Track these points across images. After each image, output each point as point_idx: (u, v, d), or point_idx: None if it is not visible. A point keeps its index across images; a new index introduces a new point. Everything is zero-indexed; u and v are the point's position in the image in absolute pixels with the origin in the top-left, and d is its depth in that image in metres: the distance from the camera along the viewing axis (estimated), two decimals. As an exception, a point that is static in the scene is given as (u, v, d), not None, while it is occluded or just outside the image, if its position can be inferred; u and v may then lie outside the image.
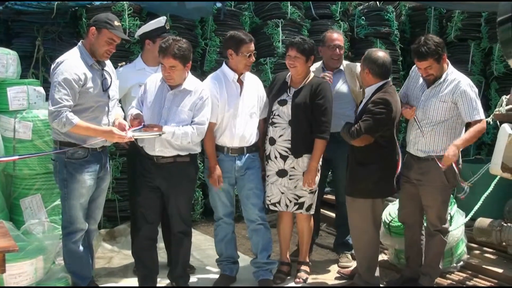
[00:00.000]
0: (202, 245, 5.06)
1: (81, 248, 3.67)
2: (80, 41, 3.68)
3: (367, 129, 3.67)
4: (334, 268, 4.52)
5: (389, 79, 3.86)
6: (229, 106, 3.90)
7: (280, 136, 4.00)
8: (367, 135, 3.70)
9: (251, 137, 4.01)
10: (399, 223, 4.21)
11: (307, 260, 4.33)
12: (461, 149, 3.70)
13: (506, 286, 4.11)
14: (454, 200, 4.39)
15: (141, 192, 3.79)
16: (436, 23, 7.05)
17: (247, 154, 4.00)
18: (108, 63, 3.73)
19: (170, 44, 3.58)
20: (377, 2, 7.09)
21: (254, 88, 4.08)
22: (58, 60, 3.53)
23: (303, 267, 4.26)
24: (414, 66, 3.94)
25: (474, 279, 4.24)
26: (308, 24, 6.55)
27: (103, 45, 3.55)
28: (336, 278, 4.34)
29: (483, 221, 4.57)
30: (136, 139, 3.65)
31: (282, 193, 4.05)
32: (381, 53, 3.83)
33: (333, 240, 4.98)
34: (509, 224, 4.46)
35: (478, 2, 5.43)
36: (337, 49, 4.40)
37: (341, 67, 4.46)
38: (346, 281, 4.25)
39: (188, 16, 5.73)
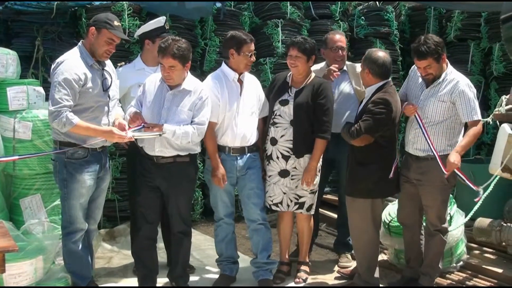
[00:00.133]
0: (202, 245, 5.06)
1: (81, 248, 3.67)
2: (80, 41, 3.68)
3: (367, 129, 3.67)
4: (334, 268, 4.52)
5: (389, 79, 3.86)
6: (230, 105, 3.91)
7: (282, 136, 4.01)
8: (367, 135, 3.70)
9: (252, 137, 4.01)
10: (399, 223, 4.22)
11: (307, 260, 4.33)
12: (462, 153, 3.71)
13: (506, 286, 4.11)
14: (454, 200, 4.40)
15: (141, 192, 3.79)
16: (435, 23, 7.05)
17: (248, 154, 4.00)
18: (109, 63, 3.73)
19: (169, 44, 3.58)
20: (377, 2, 7.09)
21: (253, 88, 4.09)
22: (58, 60, 3.52)
23: (303, 267, 4.26)
24: (414, 66, 3.95)
25: (474, 279, 4.24)
26: (307, 24, 6.56)
27: (103, 45, 3.55)
28: (336, 278, 4.35)
29: (483, 221, 4.58)
30: (136, 139, 3.64)
31: (284, 193, 4.05)
32: (381, 53, 3.83)
33: (333, 240, 4.98)
34: (508, 224, 4.47)
35: (478, 2, 5.43)
36: (340, 50, 4.40)
37: (345, 68, 4.46)
38: (346, 281, 4.26)
39: (187, 16, 5.73)
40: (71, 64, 3.47)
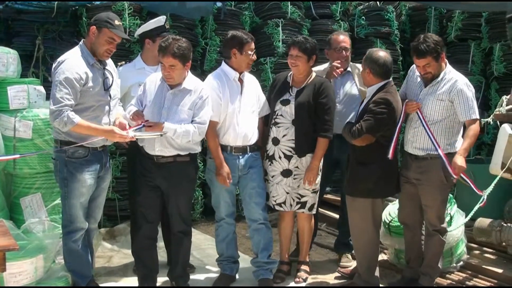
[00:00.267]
0: (202, 245, 5.06)
1: (81, 247, 3.67)
2: (82, 40, 3.68)
3: (368, 129, 3.68)
4: (334, 267, 4.52)
5: (390, 79, 3.87)
6: (231, 104, 3.91)
7: (284, 136, 4.01)
8: (369, 134, 3.70)
9: (253, 136, 4.02)
10: (399, 223, 4.22)
11: (307, 260, 4.33)
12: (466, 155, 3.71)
13: (505, 286, 4.11)
14: (454, 200, 4.40)
15: (141, 191, 3.79)
16: (436, 23, 7.06)
17: (250, 153, 4.00)
18: (110, 62, 3.73)
19: (169, 43, 3.58)
20: (377, 2, 7.09)
21: (253, 87, 4.10)
22: (59, 59, 3.52)
23: (303, 267, 4.26)
24: (413, 65, 3.95)
25: (474, 279, 4.24)
26: (308, 23, 6.56)
27: (104, 44, 3.55)
28: (336, 278, 4.35)
29: (483, 221, 4.58)
30: (136, 139, 3.64)
31: (287, 193, 4.06)
32: (382, 53, 3.83)
33: (333, 240, 4.98)
34: (509, 224, 4.47)
35: (478, 2, 5.44)
36: (344, 51, 4.40)
37: (349, 68, 4.46)
38: (346, 281, 4.26)
39: (188, 16, 5.73)
40: (72, 63, 3.47)
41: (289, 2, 6.35)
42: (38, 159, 3.91)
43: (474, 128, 3.70)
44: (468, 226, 4.61)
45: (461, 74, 3.86)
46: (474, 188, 3.72)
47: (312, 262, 4.45)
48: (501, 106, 4.50)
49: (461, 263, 4.39)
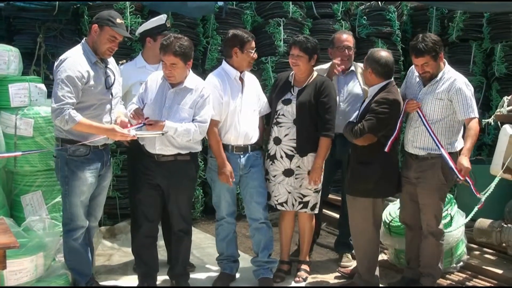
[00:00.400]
0: (202, 243, 5.07)
1: (81, 245, 3.67)
2: (84, 38, 3.68)
3: (370, 129, 3.68)
4: (334, 267, 4.52)
5: (392, 79, 3.87)
6: (233, 103, 3.91)
7: (286, 135, 4.01)
8: (370, 134, 3.70)
9: (254, 135, 4.02)
10: (399, 223, 4.22)
11: (308, 259, 4.33)
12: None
13: (505, 286, 4.12)
14: (455, 201, 4.39)
15: (142, 190, 3.79)
16: (437, 23, 7.05)
17: (251, 152, 4.00)
18: (112, 61, 3.73)
19: (171, 41, 3.58)
20: (379, 2, 7.08)
21: (254, 86, 4.10)
22: (61, 57, 3.52)
23: (303, 266, 4.26)
24: (412, 66, 3.95)
25: (474, 279, 4.24)
26: (309, 23, 6.55)
27: (105, 43, 3.54)
28: (336, 278, 4.35)
29: (483, 222, 4.58)
30: (138, 137, 3.64)
31: (289, 192, 4.06)
32: (384, 53, 3.84)
33: (333, 240, 4.98)
34: (509, 225, 4.47)
35: (480, 2, 5.44)
36: (346, 50, 4.39)
37: (352, 68, 4.45)
38: (346, 281, 4.26)
39: (190, 14, 5.73)
40: (74, 61, 3.47)
41: (290, 1, 6.35)
42: (39, 157, 3.91)
43: (474, 127, 3.69)
44: (468, 226, 4.60)
45: (460, 74, 3.86)
46: (473, 190, 3.72)
47: (312, 262, 4.45)
48: (502, 106, 4.50)
49: (461, 263, 4.39)
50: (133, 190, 3.92)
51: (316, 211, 4.18)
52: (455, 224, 4.23)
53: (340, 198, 5.00)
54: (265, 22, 6.35)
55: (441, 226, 3.90)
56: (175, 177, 3.74)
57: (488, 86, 6.55)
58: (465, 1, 5.54)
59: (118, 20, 3.57)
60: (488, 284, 4.16)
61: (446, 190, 3.91)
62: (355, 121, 3.90)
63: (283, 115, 4.03)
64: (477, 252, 4.64)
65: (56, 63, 3.53)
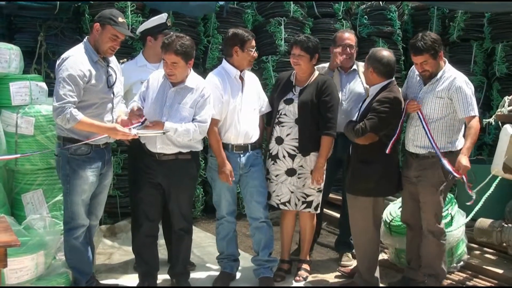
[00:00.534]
0: (203, 242, 5.07)
1: (82, 244, 3.67)
2: (86, 37, 3.67)
3: (372, 128, 3.68)
4: (334, 266, 4.52)
5: (393, 78, 3.87)
6: (233, 102, 3.91)
7: (288, 135, 4.01)
8: (372, 133, 3.70)
9: (254, 134, 4.02)
10: (400, 223, 4.22)
11: (308, 259, 4.33)
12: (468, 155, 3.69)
13: (506, 286, 4.12)
14: (455, 200, 4.39)
15: (143, 188, 3.79)
16: (438, 23, 7.04)
17: (251, 151, 4.00)
18: (113, 60, 3.73)
19: (173, 40, 3.58)
20: (380, 1, 7.08)
21: (254, 84, 4.10)
22: (63, 56, 3.52)
23: (304, 266, 4.27)
24: (413, 66, 3.95)
25: (474, 279, 4.24)
26: (310, 22, 6.55)
27: (107, 42, 3.54)
28: (336, 277, 4.35)
29: (484, 222, 4.58)
30: (139, 136, 3.64)
31: (292, 192, 4.06)
32: (385, 52, 3.84)
33: (334, 239, 4.98)
34: (509, 224, 4.47)
35: (481, 2, 5.43)
36: (348, 48, 4.39)
37: (355, 67, 4.45)
38: (346, 280, 4.26)
39: (190, 13, 5.73)
40: (76, 60, 3.47)
41: (291, 1, 6.35)
42: (39, 156, 3.91)
43: (474, 126, 3.69)
44: (469, 226, 4.61)
45: (460, 72, 3.86)
46: (467, 187, 3.70)
47: (312, 261, 4.45)
48: (503, 106, 4.50)
49: (462, 263, 4.39)
50: (134, 189, 3.93)
51: (319, 210, 4.19)
52: (456, 223, 4.24)
53: (340, 198, 5.00)
54: (266, 21, 6.35)
55: (442, 225, 3.90)
56: (176, 176, 3.74)
57: (489, 86, 6.55)
58: (466, 1, 5.54)
59: (120, 19, 3.56)
60: (488, 284, 4.17)
61: (447, 189, 3.90)
62: (355, 120, 3.90)
63: (285, 114, 4.03)
64: (477, 252, 4.64)
65: (58, 62, 3.53)
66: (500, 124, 4.48)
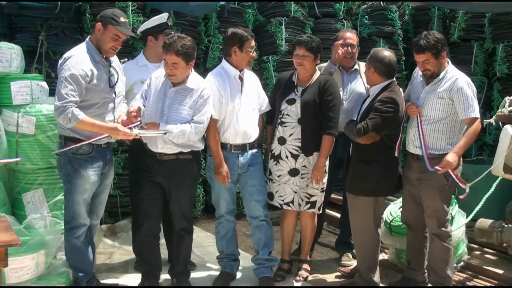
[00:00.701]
0: (203, 242, 5.07)
1: (83, 243, 3.68)
2: (88, 36, 3.68)
3: (374, 127, 3.68)
4: (334, 266, 4.53)
5: (394, 78, 3.87)
6: (232, 102, 3.91)
7: (290, 135, 4.01)
8: (374, 133, 3.70)
9: (253, 134, 4.02)
10: (400, 223, 4.21)
11: (308, 259, 4.33)
12: (461, 154, 3.69)
13: (506, 286, 4.12)
14: (456, 201, 4.39)
15: (144, 188, 3.80)
16: (439, 23, 7.05)
17: (250, 151, 4.00)
18: (115, 59, 3.73)
19: (174, 40, 3.58)
20: (381, 2, 7.08)
21: (253, 84, 4.09)
22: (65, 55, 3.53)
23: (304, 265, 4.27)
24: (417, 67, 3.95)
25: (474, 279, 4.24)
26: (311, 22, 6.55)
27: (109, 41, 3.54)
28: (337, 277, 4.35)
29: (484, 222, 4.58)
30: (140, 137, 3.64)
31: (295, 192, 4.06)
32: (387, 53, 3.84)
33: (334, 239, 4.98)
34: (510, 225, 4.47)
35: (481, 2, 5.43)
36: (349, 47, 4.39)
37: (356, 67, 4.45)
38: (346, 280, 4.26)
39: (191, 13, 5.73)
40: (78, 59, 3.47)
41: (292, 0, 6.35)
42: (40, 155, 3.91)
43: (473, 127, 3.67)
44: (469, 226, 4.61)
45: (463, 73, 3.85)
46: (458, 181, 3.70)
47: (313, 261, 4.45)
48: (504, 107, 4.49)
49: (462, 263, 4.39)
50: (135, 189, 3.93)
51: (320, 210, 4.19)
52: (456, 224, 4.23)
53: (341, 198, 5.00)
54: (267, 21, 6.34)
55: (448, 229, 3.85)
56: (177, 175, 3.74)
57: (489, 86, 6.56)
58: (467, 1, 5.54)
59: (122, 19, 3.56)
60: (488, 284, 4.17)
61: (449, 192, 3.86)
62: (355, 119, 3.90)
63: (287, 115, 4.03)
64: (477, 252, 4.64)
65: (60, 61, 3.54)
66: (500, 124, 4.48)
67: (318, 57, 4.01)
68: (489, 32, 6.47)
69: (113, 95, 3.64)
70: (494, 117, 4.59)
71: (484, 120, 4.77)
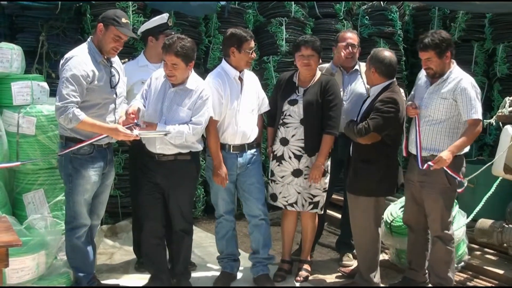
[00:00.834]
0: (203, 242, 5.07)
1: (83, 243, 3.68)
2: (90, 37, 3.68)
3: (375, 127, 3.68)
4: (335, 267, 4.53)
5: (394, 78, 3.87)
6: (231, 103, 3.91)
7: (293, 136, 4.01)
8: (375, 133, 3.70)
9: (252, 134, 4.01)
10: (401, 223, 4.21)
11: (309, 259, 4.33)
12: (456, 153, 3.67)
13: (506, 287, 4.12)
14: (456, 201, 4.39)
15: (144, 189, 3.80)
16: (439, 23, 7.04)
17: (248, 151, 4.00)
18: (116, 60, 3.73)
19: (174, 41, 3.58)
20: (381, 2, 7.08)
21: (253, 84, 4.09)
22: (67, 56, 3.53)
23: (305, 266, 4.27)
24: (422, 69, 3.94)
25: (475, 279, 4.25)
26: (311, 23, 6.55)
27: (110, 42, 3.55)
28: (337, 277, 4.36)
29: (485, 222, 4.58)
30: (141, 137, 3.64)
31: (299, 193, 4.06)
32: (387, 53, 3.84)
33: (334, 239, 4.98)
34: (510, 225, 4.47)
35: (482, 3, 5.43)
36: (350, 47, 4.39)
37: (357, 67, 4.45)
38: (347, 280, 4.26)
39: (192, 13, 5.73)
40: (79, 60, 3.48)
41: (292, 1, 6.35)
42: (41, 155, 3.92)
43: (473, 129, 3.66)
44: (470, 227, 4.61)
45: (468, 74, 3.83)
46: (455, 176, 3.68)
47: (313, 261, 4.45)
48: (504, 107, 4.50)
49: (462, 263, 4.39)
50: (135, 190, 3.92)
51: (322, 211, 4.19)
52: (457, 224, 4.23)
53: (342, 198, 5.00)
54: (267, 21, 6.34)
55: (450, 232, 3.84)
56: (176, 176, 3.74)
57: (489, 87, 6.54)
58: (467, 1, 5.54)
59: (123, 20, 3.57)
60: (489, 285, 4.17)
61: (452, 194, 3.82)
62: (356, 119, 3.90)
63: (289, 115, 4.03)
64: (478, 253, 4.65)
65: (61, 62, 3.54)
66: (501, 124, 4.48)
67: (320, 57, 4.02)
68: (489, 32, 6.46)
69: (114, 95, 3.64)
70: (494, 117, 4.60)
71: (485, 121, 4.76)
